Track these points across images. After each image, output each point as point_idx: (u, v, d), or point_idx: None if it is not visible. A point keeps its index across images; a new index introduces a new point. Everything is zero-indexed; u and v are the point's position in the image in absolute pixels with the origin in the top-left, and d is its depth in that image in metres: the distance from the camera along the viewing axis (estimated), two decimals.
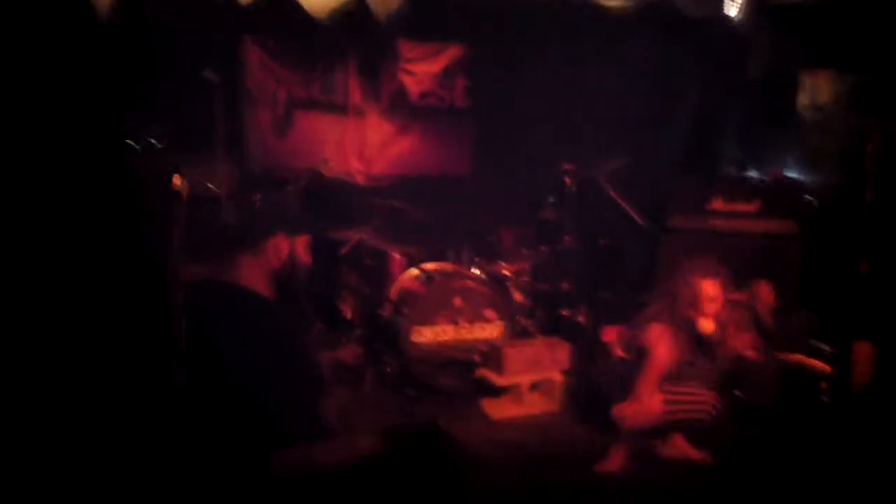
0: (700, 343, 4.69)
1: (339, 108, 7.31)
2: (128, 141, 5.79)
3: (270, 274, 3.14)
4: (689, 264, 4.79)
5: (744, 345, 4.86)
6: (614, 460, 4.59)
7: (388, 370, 5.77)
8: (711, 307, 4.65)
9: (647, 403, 4.53)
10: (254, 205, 3.47)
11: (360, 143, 7.33)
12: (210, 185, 5.86)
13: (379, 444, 3.22)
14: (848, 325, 5.28)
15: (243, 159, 7.04)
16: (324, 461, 3.13)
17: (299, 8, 6.32)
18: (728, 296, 4.71)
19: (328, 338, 6.07)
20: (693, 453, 4.76)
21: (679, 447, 4.78)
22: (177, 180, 5.12)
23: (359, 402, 5.41)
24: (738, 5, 6.65)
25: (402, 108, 7.42)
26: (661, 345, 4.59)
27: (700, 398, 4.62)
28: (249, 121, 7.14)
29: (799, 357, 5.32)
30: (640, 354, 4.65)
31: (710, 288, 4.65)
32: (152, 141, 5.83)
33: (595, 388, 5.02)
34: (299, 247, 3.21)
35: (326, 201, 6.58)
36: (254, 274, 3.11)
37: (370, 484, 3.10)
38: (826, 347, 5.38)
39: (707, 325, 4.68)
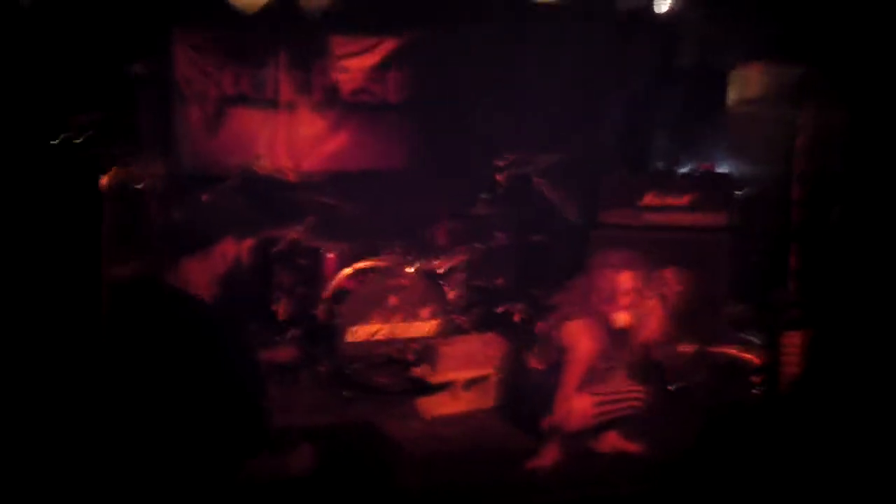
0: (617, 336, 4.70)
1: (271, 104, 7.22)
2: (50, 135, 5.63)
3: (216, 278, 3.06)
4: (602, 257, 4.80)
5: (658, 334, 4.87)
6: (547, 457, 4.59)
7: (323, 370, 5.73)
8: (626, 300, 4.66)
9: (576, 406, 4.55)
10: (202, 206, 3.40)
11: (291, 140, 7.24)
12: (138, 185, 5.78)
13: (311, 454, 3.19)
14: (778, 317, 5.37)
15: (173, 156, 6.95)
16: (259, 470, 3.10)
17: (228, 2, 6.23)
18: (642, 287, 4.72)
19: (262, 338, 6.03)
20: (629, 446, 4.78)
21: (614, 443, 4.80)
22: (103, 177, 5.04)
23: (294, 404, 5.37)
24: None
25: (335, 104, 7.35)
26: (581, 341, 4.58)
27: (628, 394, 4.64)
28: (179, 117, 7.03)
29: (730, 350, 5.38)
30: (560, 353, 4.64)
31: (625, 280, 4.66)
32: (76, 136, 5.67)
33: (528, 386, 5.01)
34: (245, 250, 3.14)
35: (259, 199, 6.50)
36: (199, 278, 3.03)
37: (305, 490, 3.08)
38: (756, 340, 5.46)
39: (622, 318, 4.69)
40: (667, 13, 6.73)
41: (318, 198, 6.33)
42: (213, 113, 7.09)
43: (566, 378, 4.54)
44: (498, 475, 4.49)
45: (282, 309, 6.25)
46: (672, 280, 4.98)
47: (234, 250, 3.08)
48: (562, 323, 4.67)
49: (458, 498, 4.24)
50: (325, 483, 3.22)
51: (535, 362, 4.82)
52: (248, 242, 3.16)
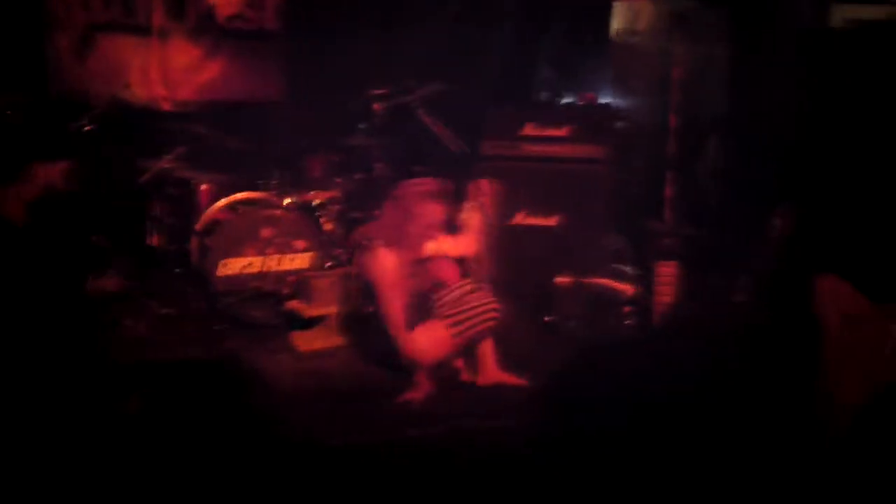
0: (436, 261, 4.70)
1: (142, 31, 6.92)
2: None
3: (27, 203, 2.91)
4: (405, 187, 4.79)
5: (480, 244, 4.88)
6: (419, 390, 4.56)
7: (195, 303, 5.60)
8: (433, 228, 4.68)
9: (425, 337, 4.53)
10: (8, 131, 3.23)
11: (164, 68, 6.97)
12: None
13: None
14: (652, 248, 5.40)
15: (42, 84, 6.64)
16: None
17: None
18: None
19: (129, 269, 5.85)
20: (506, 377, 4.76)
21: (492, 375, 4.77)
22: None
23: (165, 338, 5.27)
24: None
25: (210, 31, 7.08)
26: (385, 272, 4.56)
27: (480, 309, 4.63)
28: (48, 44, 6.70)
29: (605, 281, 5.39)
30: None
31: (431, 211, 4.66)
32: None
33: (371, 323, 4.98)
34: (57, 174, 2.99)
35: (128, 128, 6.28)
36: (8, 203, 2.88)
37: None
38: (631, 270, 5.48)
39: (432, 246, 4.72)
40: None
41: (190, 128, 6.12)
42: (82, 39, 6.77)
43: (387, 312, 4.52)
44: (372, 410, 4.44)
45: (155, 240, 6.08)
46: (487, 188, 4.97)
47: (43, 174, 2.93)
48: (365, 256, 4.65)
49: (330, 433, 4.15)
50: (197, 419, 3.14)
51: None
52: (61, 167, 3.00)
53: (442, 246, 4.81)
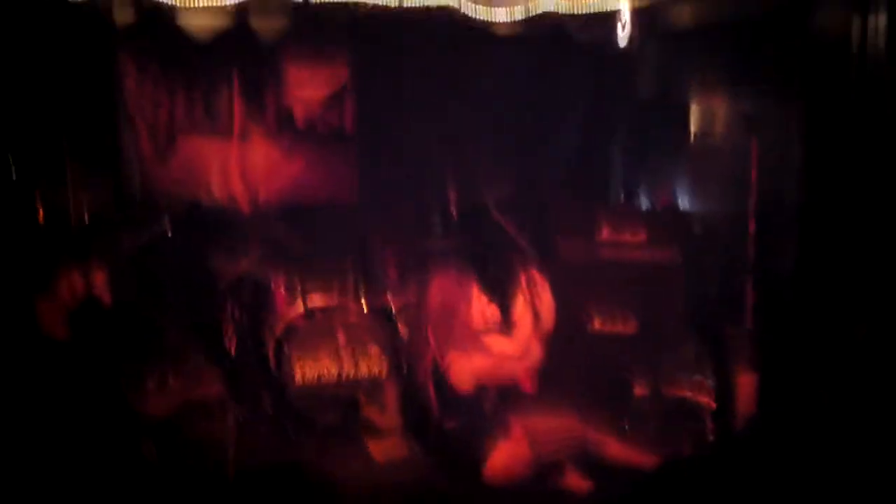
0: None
1: (223, 133, 7.07)
2: None
3: (70, 313, 2.92)
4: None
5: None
6: None
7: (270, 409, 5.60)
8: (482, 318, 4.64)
9: (512, 455, 4.48)
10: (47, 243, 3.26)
11: (243, 169, 7.09)
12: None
13: None
14: (732, 358, 5.30)
15: (123, 185, 6.80)
16: None
17: (179, 28, 6.11)
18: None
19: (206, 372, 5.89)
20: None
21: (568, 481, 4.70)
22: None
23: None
24: (626, 29, 6.62)
25: (289, 134, 7.20)
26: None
27: (566, 434, 4.57)
28: (129, 145, 6.87)
29: (683, 391, 5.30)
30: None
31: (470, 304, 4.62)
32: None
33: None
34: (97, 282, 2.99)
35: (207, 231, 6.38)
36: (51, 317, 2.89)
37: None
38: (710, 381, 5.37)
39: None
40: (626, 44, 6.66)
41: (269, 230, 6.20)
42: (165, 141, 6.93)
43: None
44: None
45: (232, 343, 6.12)
46: (539, 279, 4.93)
47: (81, 283, 2.94)
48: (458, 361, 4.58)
49: None
50: None
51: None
52: (99, 275, 3.01)
53: (495, 345, 4.80)
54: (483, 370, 4.64)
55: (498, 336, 4.84)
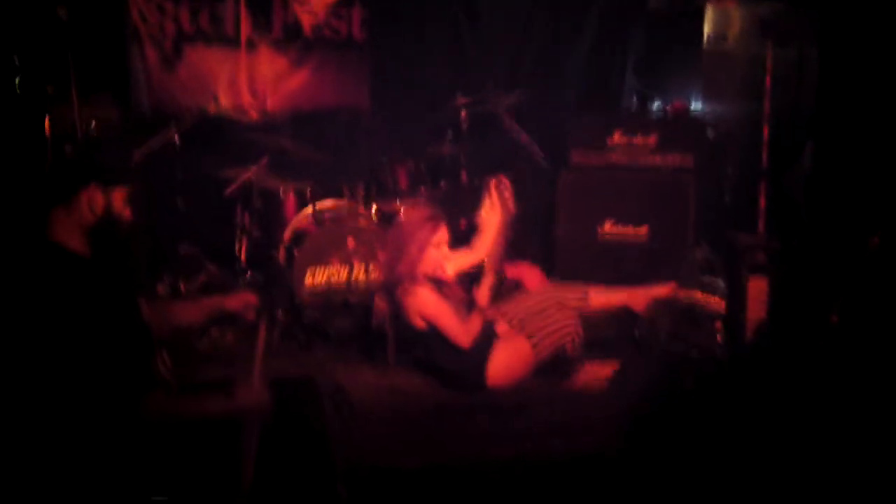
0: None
1: (230, 41, 6.99)
2: None
3: (88, 229, 2.90)
4: (404, 229, 4.68)
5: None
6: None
7: (280, 316, 5.59)
8: (443, 251, 4.62)
9: (512, 352, 4.49)
10: (65, 154, 3.23)
11: (251, 78, 7.03)
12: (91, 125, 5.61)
13: (265, 395, 3.09)
14: (744, 262, 5.25)
15: (130, 98, 6.76)
16: (201, 409, 2.99)
17: None
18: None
19: (223, 281, 5.89)
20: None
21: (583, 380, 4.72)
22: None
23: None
24: None
25: (296, 41, 7.12)
26: (430, 308, 4.50)
27: (563, 322, 4.56)
28: (135, 57, 6.81)
29: (694, 294, 5.26)
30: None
31: (437, 236, 4.59)
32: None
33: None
34: (116, 200, 2.96)
35: (215, 139, 6.35)
36: (68, 230, 2.87)
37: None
38: (721, 284, 5.34)
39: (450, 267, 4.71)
40: None
41: (277, 138, 6.15)
42: (171, 51, 6.87)
43: (453, 337, 4.48)
44: (451, 428, 4.35)
45: (242, 250, 6.11)
46: (508, 184, 4.92)
47: (101, 199, 2.91)
48: (406, 300, 4.55)
49: (412, 452, 4.10)
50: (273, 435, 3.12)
51: None
52: (120, 192, 2.98)
53: (460, 260, 4.81)
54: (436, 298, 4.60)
55: (459, 251, 4.86)
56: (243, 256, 6.03)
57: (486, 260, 4.85)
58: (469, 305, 4.61)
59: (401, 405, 4.62)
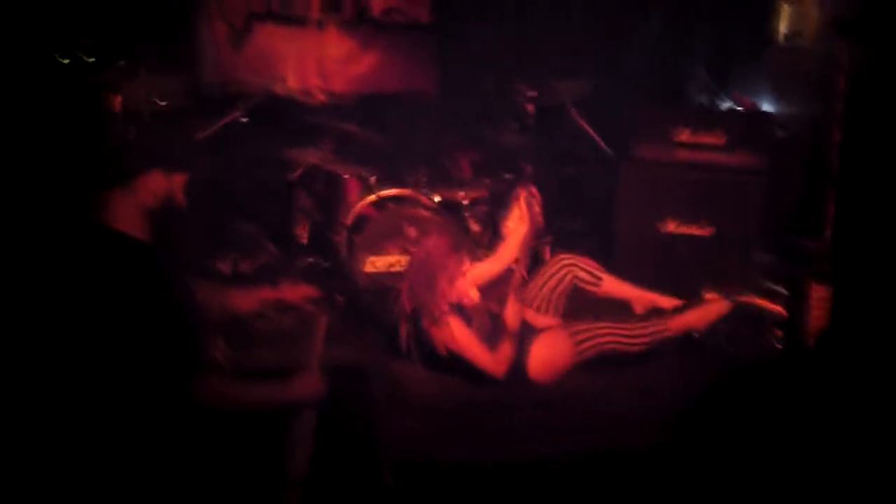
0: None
1: (300, 22, 7.01)
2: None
3: (147, 213, 2.93)
4: (431, 259, 4.54)
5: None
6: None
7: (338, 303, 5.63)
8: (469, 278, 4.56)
9: (552, 347, 4.45)
10: (126, 137, 3.25)
11: (319, 59, 7.05)
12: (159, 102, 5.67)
13: (321, 384, 3.12)
14: (808, 269, 5.18)
15: (196, 74, 6.82)
16: (256, 396, 3.03)
17: None
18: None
19: (283, 262, 5.95)
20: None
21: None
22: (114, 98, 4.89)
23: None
24: None
25: (365, 23, 7.12)
26: (460, 338, 4.40)
27: (599, 330, 4.52)
28: (203, 33, 6.86)
29: (754, 299, 5.19)
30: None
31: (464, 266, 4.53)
32: (83, 54, 5.48)
33: None
34: (177, 186, 2.99)
35: (279, 121, 6.38)
36: (129, 213, 2.90)
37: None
38: (783, 290, 5.27)
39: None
40: None
41: (342, 121, 6.17)
42: (240, 30, 6.91)
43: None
44: (498, 422, 4.34)
45: (304, 233, 6.16)
46: (537, 194, 4.85)
47: (163, 184, 2.93)
48: (433, 331, 4.46)
49: (459, 445, 4.10)
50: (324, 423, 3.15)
51: None
52: (180, 178, 3.00)
53: (483, 269, 4.76)
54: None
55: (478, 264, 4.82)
56: (304, 239, 6.08)
57: (512, 279, 4.72)
58: (497, 330, 4.48)
59: (449, 397, 4.57)
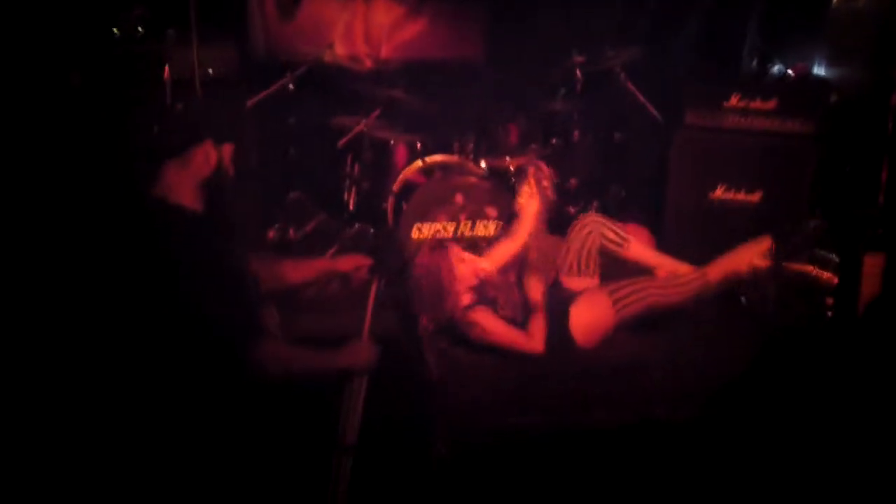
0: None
1: None
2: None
3: (200, 184, 2.96)
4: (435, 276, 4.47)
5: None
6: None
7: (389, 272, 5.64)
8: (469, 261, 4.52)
9: (593, 308, 4.44)
10: (176, 110, 3.28)
11: (367, 26, 7.03)
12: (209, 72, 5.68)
13: (373, 353, 3.15)
14: (861, 236, 5.11)
15: (246, 44, 6.83)
16: (310, 364, 3.06)
17: None
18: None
19: (332, 229, 5.98)
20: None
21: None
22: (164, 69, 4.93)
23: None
24: None
25: None
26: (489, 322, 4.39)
27: (635, 286, 4.48)
28: (253, 2, 6.87)
29: (805, 267, 5.14)
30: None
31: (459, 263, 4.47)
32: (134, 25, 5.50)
33: None
34: (226, 155, 3.02)
35: (328, 88, 6.40)
36: (183, 185, 2.93)
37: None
38: (835, 258, 5.20)
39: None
40: None
41: (390, 89, 6.17)
42: None
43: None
44: (553, 390, 4.33)
45: (352, 200, 6.19)
46: (548, 171, 4.81)
47: (215, 154, 2.96)
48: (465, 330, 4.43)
49: (512, 414, 4.10)
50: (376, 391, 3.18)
51: None
52: (229, 148, 3.03)
53: (501, 250, 4.73)
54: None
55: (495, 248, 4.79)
56: (352, 206, 6.11)
57: (529, 255, 4.71)
58: (526, 307, 4.48)
59: (501, 367, 4.54)
